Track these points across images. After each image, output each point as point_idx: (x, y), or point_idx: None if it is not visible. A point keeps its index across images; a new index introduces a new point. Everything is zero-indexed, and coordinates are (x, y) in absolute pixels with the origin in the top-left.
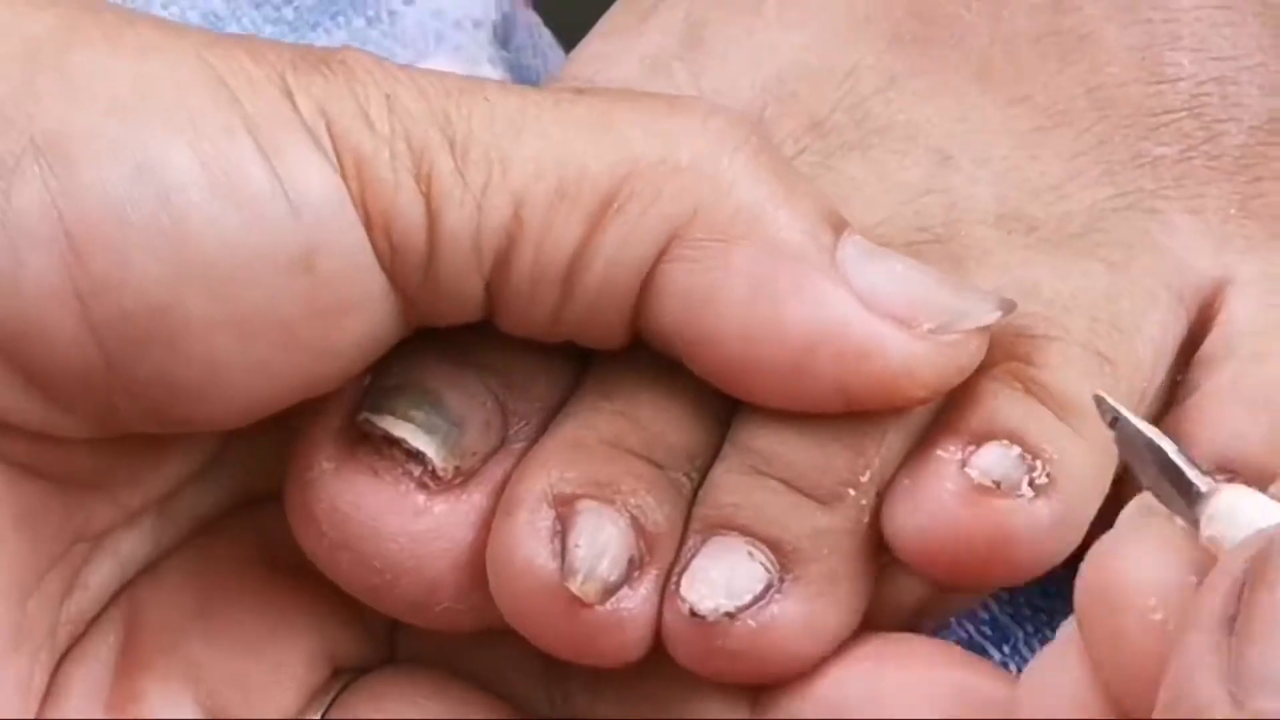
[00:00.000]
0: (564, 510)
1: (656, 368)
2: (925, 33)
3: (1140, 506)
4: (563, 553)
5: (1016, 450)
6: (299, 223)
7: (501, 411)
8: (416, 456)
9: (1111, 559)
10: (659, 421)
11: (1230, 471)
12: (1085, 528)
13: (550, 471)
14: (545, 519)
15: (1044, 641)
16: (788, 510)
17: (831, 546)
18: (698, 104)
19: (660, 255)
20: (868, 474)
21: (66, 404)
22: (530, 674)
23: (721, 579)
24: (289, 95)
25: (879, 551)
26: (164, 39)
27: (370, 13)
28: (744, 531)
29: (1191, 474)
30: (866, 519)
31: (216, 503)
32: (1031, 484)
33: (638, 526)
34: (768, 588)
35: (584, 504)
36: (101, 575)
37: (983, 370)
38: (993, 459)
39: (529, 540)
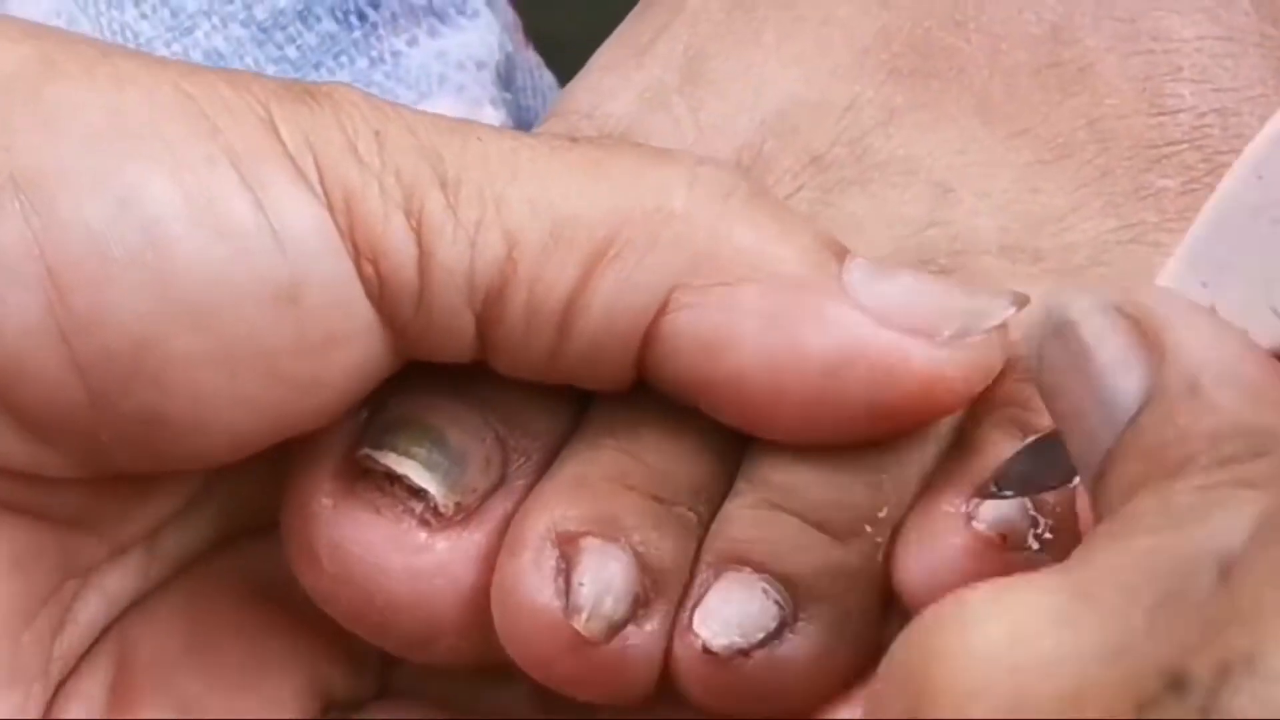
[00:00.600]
0: (568, 548)
1: (659, 404)
2: (924, 66)
3: None
4: (567, 591)
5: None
6: (284, 255)
7: (502, 448)
8: (418, 493)
9: None
10: (663, 457)
11: None
12: None
13: (553, 510)
14: (549, 557)
15: None
16: (803, 546)
17: (846, 584)
18: (686, 154)
19: (663, 306)
20: (884, 510)
21: (53, 443)
22: (527, 709)
23: (735, 615)
24: (272, 126)
25: (889, 589)
26: (140, 70)
27: (374, 53)
28: (758, 567)
29: None
30: (880, 556)
31: (204, 537)
32: (1037, 537)
33: (642, 563)
34: (781, 625)
35: (588, 541)
36: (91, 611)
37: (984, 415)
38: (998, 512)
39: (534, 579)
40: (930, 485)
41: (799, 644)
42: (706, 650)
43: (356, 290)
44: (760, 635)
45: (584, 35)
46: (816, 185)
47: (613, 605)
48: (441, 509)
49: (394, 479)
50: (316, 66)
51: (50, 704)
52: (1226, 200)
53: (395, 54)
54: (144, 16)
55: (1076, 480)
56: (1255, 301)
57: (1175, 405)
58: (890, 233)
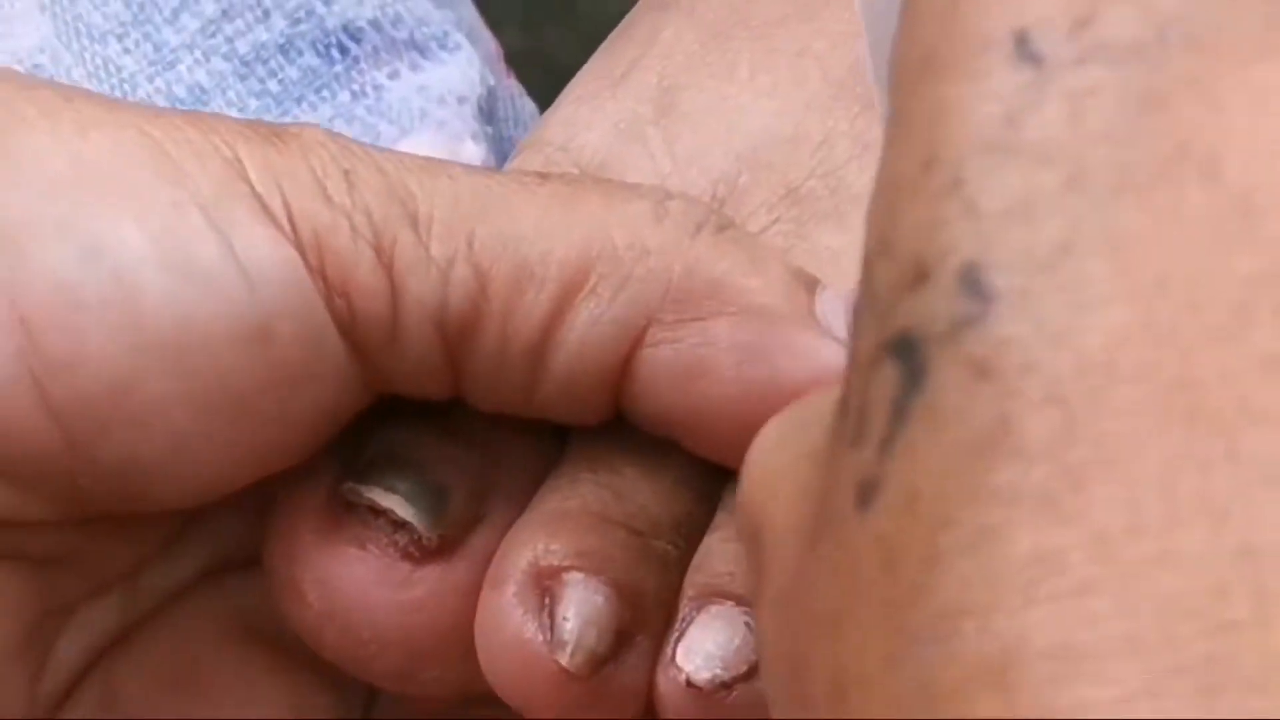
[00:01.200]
0: (550, 583)
1: (639, 438)
2: None
3: None
4: (551, 626)
5: None
6: (254, 295)
7: (484, 481)
8: (402, 526)
9: None
10: (642, 492)
11: None
12: None
13: (535, 544)
14: (533, 592)
15: None
16: None
17: None
18: (654, 188)
19: (637, 342)
20: None
21: (30, 489)
22: None
23: (718, 649)
24: (240, 167)
25: None
26: (104, 114)
27: (355, 87)
28: (740, 601)
29: None
30: None
31: (186, 573)
32: None
33: (624, 597)
34: None
35: (570, 576)
36: (72, 650)
37: None
38: None
39: (516, 613)
40: None
41: None
42: (690, 684)
43: (328, 327)
44: (744, 669)
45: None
46: (792, 219)
47: (596, 639)
48: (425, 541)
49: (378, 513)
50: (299, 100)
51: None
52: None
53: (377, 87)
54: (127, 51)
55: None
56: None
57: None
58: None
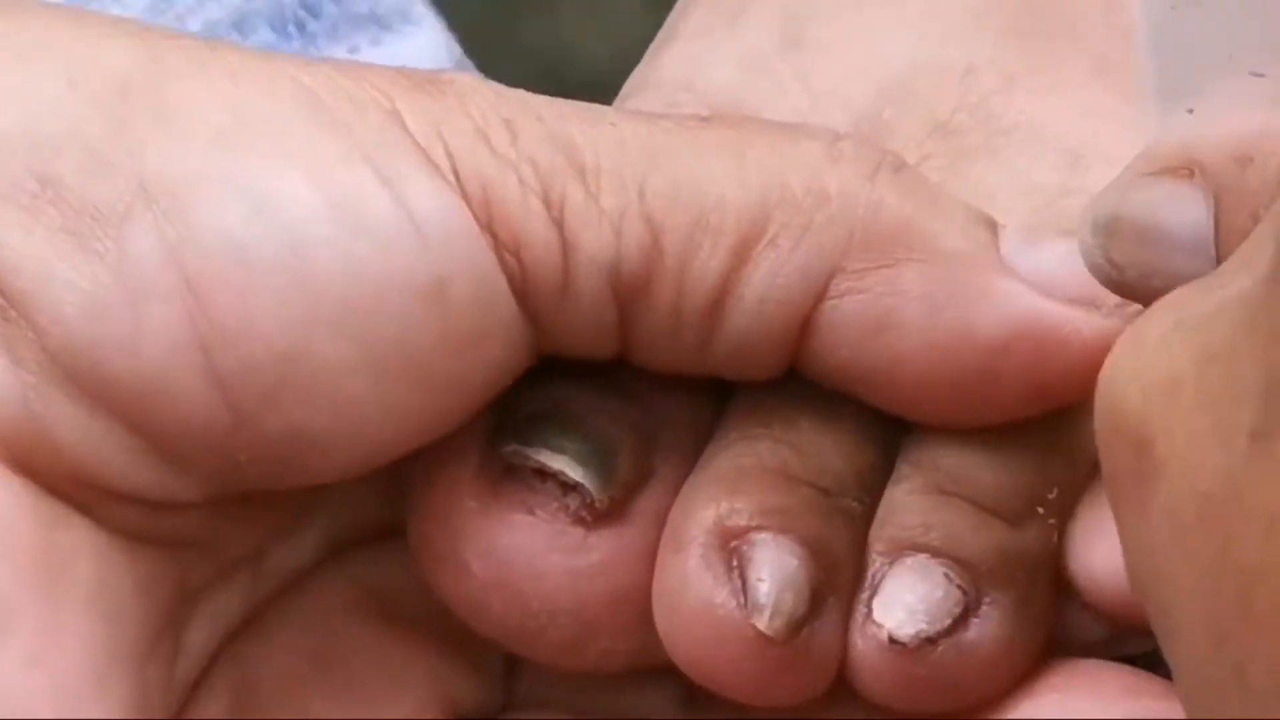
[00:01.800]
0: (738, 544)
1: (809, 391)
2: (1038, 27)
3: None
4: (744, 589)
5: None
6: (428, 251)
7: (648, 441)
8: (573, 489)
9: None
10: (822, 448)
11: None
12: None
13: (719, 503)
14: (719, 554)
15: None
16: (978, 530)
17: (1023, 569)
18: (822, 129)
19: (821, 294)
20: (1055, 491)
21: (187, 467)
22: (668, 714)
23: (919, 603)
24: (399, 117)
25: (1064, 574)
26: (254, 63)
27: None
28: (935, 553)
29: None
30: (1055, 539)
31: (310, 552)
32: None
33: (816, 556)
34: (965, 611)
35: (759, 536)
36: (200, 634)
37: None
38: None
39: (705, 578)
40: None
41: (984, 631)
42: (892, 640)
43: (501, 284)
44: (947, 622)
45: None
46: (943, 154)
47: (794, 602)
48: (598, 504)
49: (545, 475)
50: None
51: None
52: (1150, 21)
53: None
54: None
55: None
56: (1234, 79)
57: (1237, 183)
58: (1025, 203)
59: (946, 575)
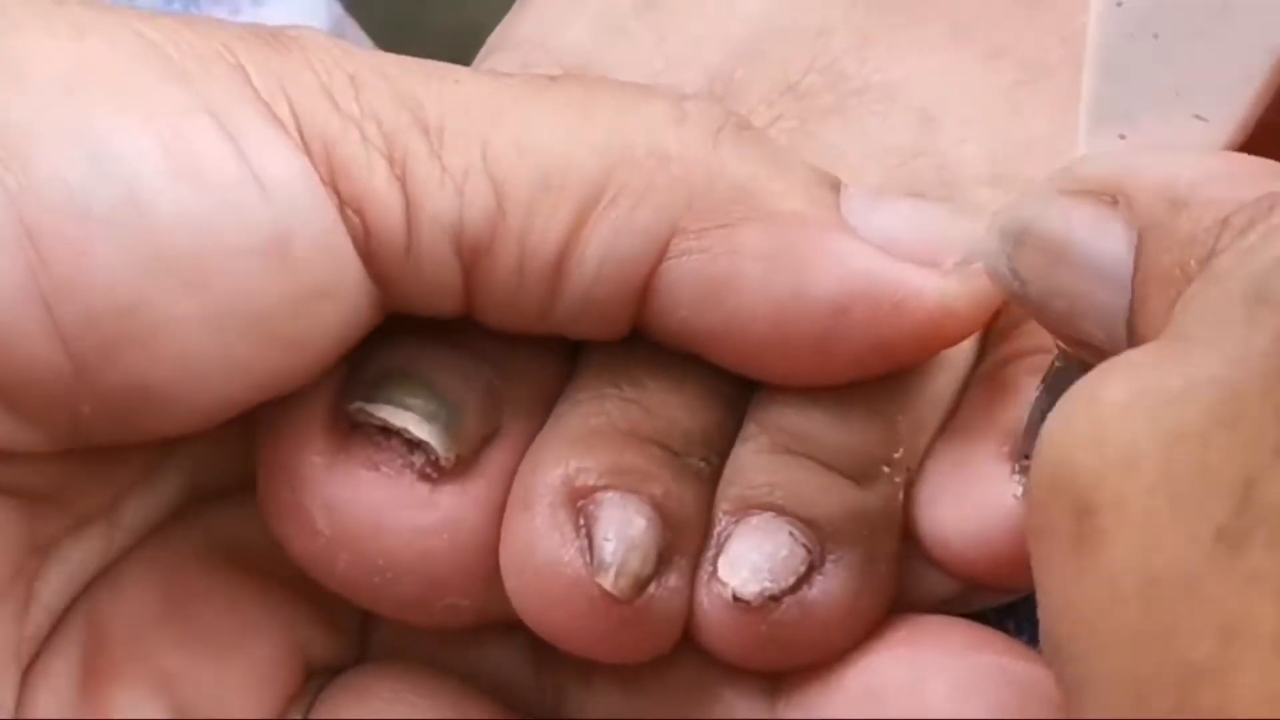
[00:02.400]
0: (586, 503)
1: (658, 352)
2: None
3: None
4: (590, 548)
5: None
6: (270, 206)
7: (495, 398)
8: (418, 446)
9: None
10: (670, 407)
11: None
12: None
13: (567, 462)
14: (566, 513)
15: None
16: (824, 489)
17: (868, 526)
18: (668, 90)
19: (661, 252)
20: (900, 450)
21: (30, 417)
22: (518, 667)
23: (764, 560)
24: (243, 71)
25: (907, 531)
26: (97, 16)
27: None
28: (780, 511)
29: None
30: (900, 498)
31: (166, 505)
32: None
33: (664, 515)
34: (810, 569)
35: (607, 495)
36: (53, 587)
37: (1013, 358)
38: None
39: (552, 536)
40: (958, 427)
41: (828, 588)
42: (736, 598)
43: (344, 241)
44: (791, 580)
45: None
46: (794, 114)
47: (640, 561)
48: (443, 462)
49: (390, 433)
50: None
51: (21, 688)
52: (1101, 43)
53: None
54: None
55: None
56: (1175, 117)
57: (1167, 225)
58: (876, 163)
59: (791, 534)
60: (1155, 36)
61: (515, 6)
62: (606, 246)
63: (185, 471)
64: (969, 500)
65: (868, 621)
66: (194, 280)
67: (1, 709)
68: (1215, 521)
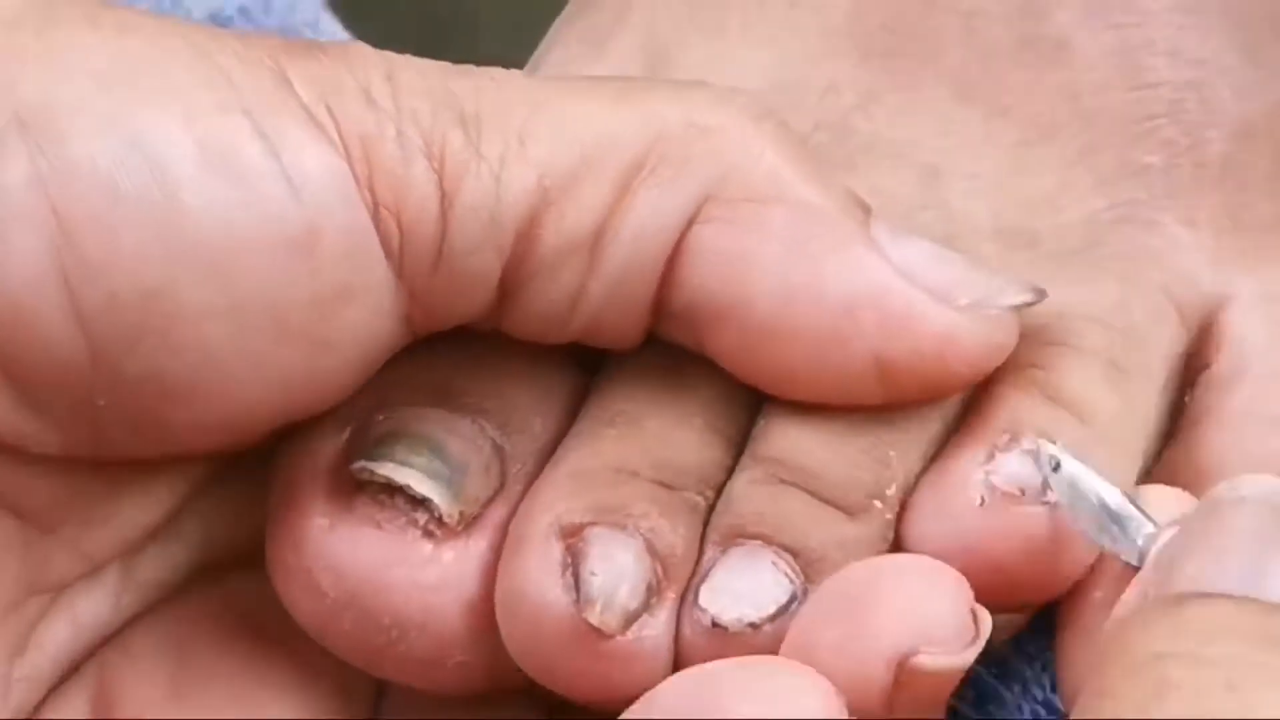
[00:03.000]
0: (573, 541)
1: (658, 392)
2: (899, 46)
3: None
4: (577, 584)
5: (1042, 453)
6: (299, 203)
7: (499, 455)
8: (421, 504)
9: None
10: (666, 444)
11: None
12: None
13: (555, 503)
14: (555, 551)
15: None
16: (813, 520)
17: (857, 558)
18: (713, 83)
19: (692, 217)
20: (893, 486)
21: (44, 407)
22: None
23: (745, 588)
24: (285, 79)
25: None
26: (146, 20)
27: None
28: (766, 540)
29: (1138, 519)
30: (891, 534)
31: (178, 567)
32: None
33: (652, 550)
34: (792, 598)
35: (594, 531)
36: (59, 636)
37: (999, 379)
38: (1016, 466)
39: (540, 575)
40: (943, 452)
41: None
42: (715, 625)
43: (373, 242)
44: (772, 609)
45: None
46: None
47: (627, 594)
48: (446, 518)
49: (393, 491)
50: None
51: None
52: None
53: None
54: None
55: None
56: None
57: None
58: (882, 215)
59: (774, 562)
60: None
61: (529, 70)
62: (644, 218)
63: (196, 534)
64: (943, 505)
65: None
66: (218, 270)
67: None
68: None
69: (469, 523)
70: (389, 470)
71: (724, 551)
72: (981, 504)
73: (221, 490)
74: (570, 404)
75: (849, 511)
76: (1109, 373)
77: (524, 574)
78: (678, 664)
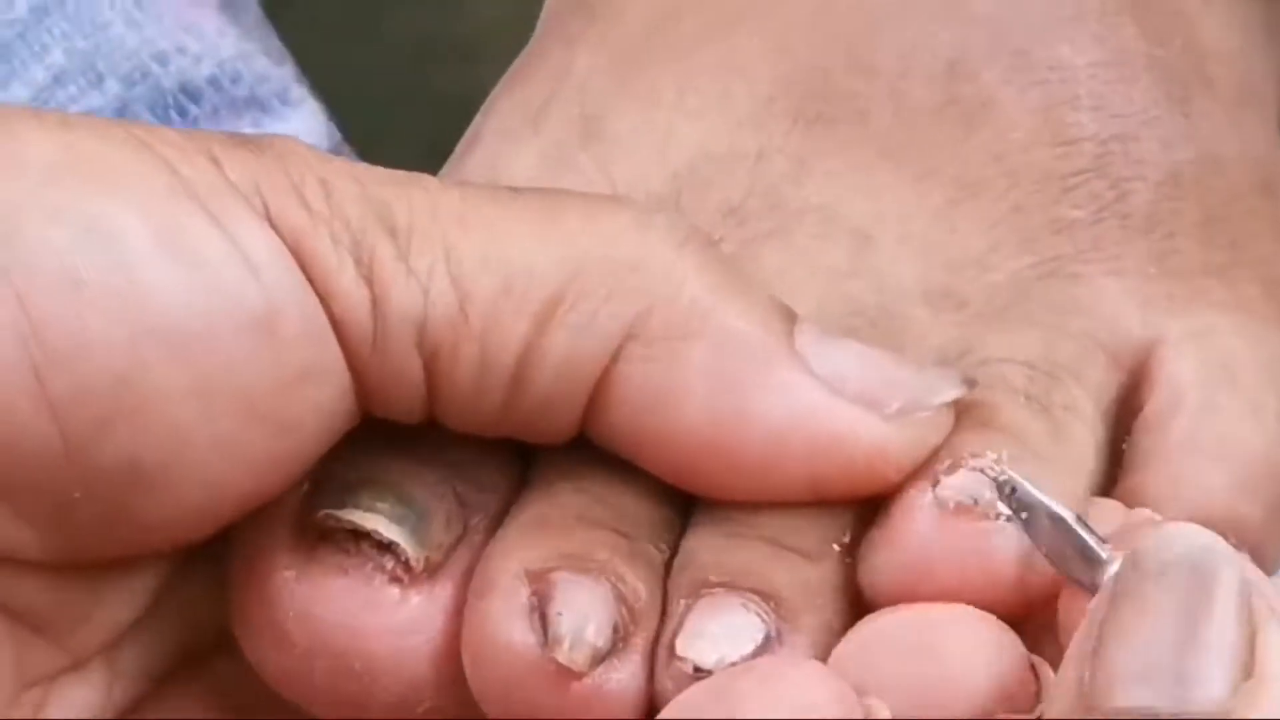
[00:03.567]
0: (540, 586)
1: (609, 453)
2: (827, 111)
3: None
4: (544, 626)
5: (988, 467)
6: (259, 283)
7: (461, 503)
8: (387, 549)
9: None
10: (622, 496)
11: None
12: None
13: (520, 550)
14: (520, 596)
15: None
16: (775, 564)
17: (823, 598)
18: (634, 201)
19: (614, 355)
20: (849, 535)
21: (20, 505)
22: None
23: (721, 631)
24: (220, 167)
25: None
26: (87, 117)
27: None
28: (730, 587)
29: (1092, 541)
30: (851, 580)
31: (161, 655)
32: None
33: (619, 595)
34: (767, 639)
35: (560, 576)
36: None
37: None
38: (964, 480)
39: (506, 619)
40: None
41: (790, 658)
42: (697, 671)
43: (324, 324)
44: (750, 647)
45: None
46: (736, 239)
47: (594, 633)
48: (413, 563)
49: (359, 537)
50: None
51: None
52: None
53: None
54: None
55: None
56: None
57: None
58: (813, 284)
59: (744, 605)
60: None
61: (458, 150)
62: (565, 351)
63: (178, 622)
64: (894, 530)
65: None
66: (185, 354)
67: None
68: None
69: (434, 569)
70: (355, 516)
71: (693, 604)
72: (934, 521)
73: (195, 577)
74: (525, 459)
75: (808, 556)
76: (1032, 406)
77: (490, 618)
78: (653, 716)
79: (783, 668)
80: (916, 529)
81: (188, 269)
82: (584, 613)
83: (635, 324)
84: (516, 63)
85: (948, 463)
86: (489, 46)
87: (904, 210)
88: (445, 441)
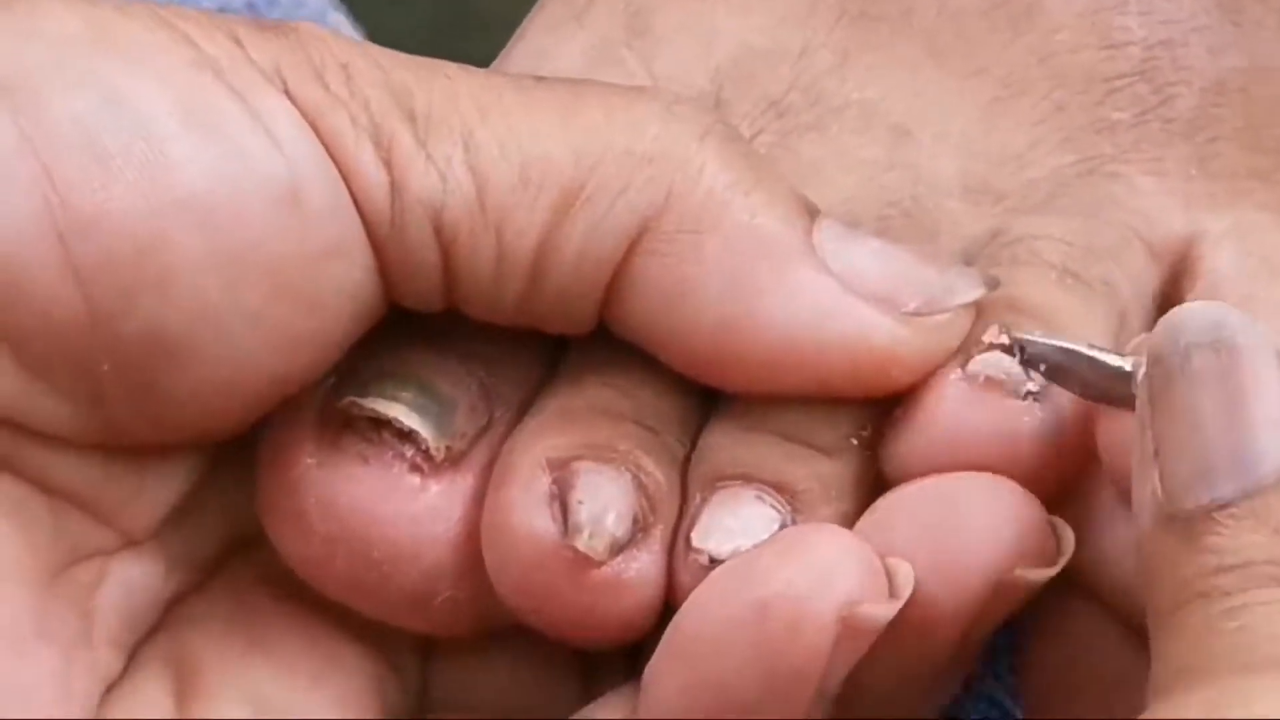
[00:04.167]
0: (561, 474)
1: (633, 347)
2: (873, 9)
3: None
4: (564, 515)
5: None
6: (283, 156)
7: (486, 394)
8: (408, 437)
9: None
10: (646, 390)
11: None
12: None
13: (543, 439)
14: (542, 483)
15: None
16: (790, 458)
17: (839, 490)
18: (661, 91)
19: (631, 247)
20: (868, 428)
21: (50, 376)
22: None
23: (736, 524)
24: (243, 47)
25: None
26: None
27: None
28: (747, 479)
29: (1111, 359)
30: (872, 470)
31: (214, 541)
32: (1030, 393)
33: (639, 485)
34: (783, 529)
35: (582, 464)
36: (120, 603)
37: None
38: (993, 359)
39: (527, 507)
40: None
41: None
42: (713, 561)
43: (348, 200)
44: (765, 536)
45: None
46: (775, 130)
47: (614, 522)
48: (433, 452)
49: (381, 425)
50: None
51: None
52: None
53: None
54: None
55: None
56: None
57: None
58: (850, 177)
59: (758, 497)
60: None
61: (506, 48)
62: (581, 241)
63: (224, 508)
64: (922, 408)
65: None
66: (209, 224)
67: (67, 684)
68: None
69: (456, 459)
70: (377, 404)
71: (708, 497)
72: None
73: (238, 469)
74: (554, 351)
75: (825, 451)
76: (1064, 279)
77: (511, 505)
78: (672, 607)
79: (803, 535)
80: (945, 405)
81: (210, 140)
82: (604, 502)
83: (652, 216)
84: None
85: (978, 347)
86: (514, 18)
87: (945, 107)
88: (473, 336)
